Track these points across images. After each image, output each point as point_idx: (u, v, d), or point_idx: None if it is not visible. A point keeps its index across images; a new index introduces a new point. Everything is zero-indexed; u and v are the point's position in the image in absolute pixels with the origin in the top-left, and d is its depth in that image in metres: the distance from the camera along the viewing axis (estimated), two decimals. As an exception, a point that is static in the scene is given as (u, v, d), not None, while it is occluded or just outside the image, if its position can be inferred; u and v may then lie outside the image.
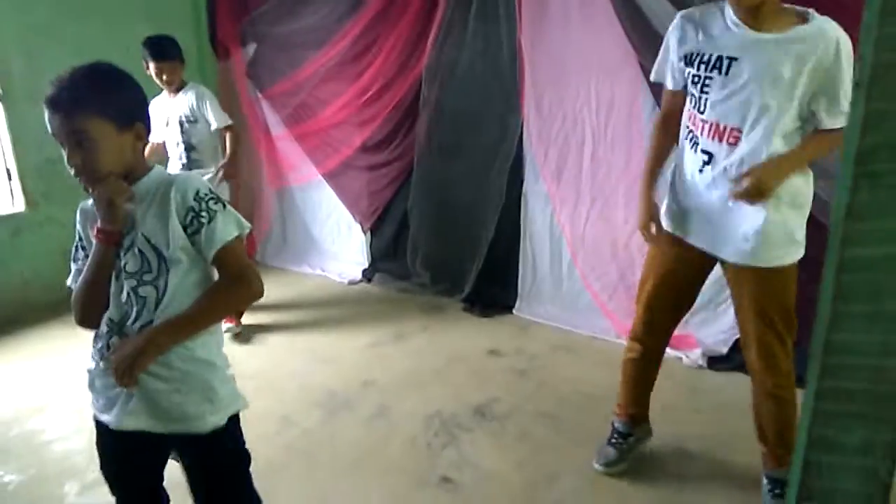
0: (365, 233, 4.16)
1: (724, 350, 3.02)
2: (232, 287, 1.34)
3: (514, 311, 3.61)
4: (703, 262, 2.00)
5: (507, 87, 3.42)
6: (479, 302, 3.68)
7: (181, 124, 3.22)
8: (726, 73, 1.76)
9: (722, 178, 1.83)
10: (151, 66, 3.09)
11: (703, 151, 1.86)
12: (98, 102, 1.29)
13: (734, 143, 1.80)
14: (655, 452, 2.34)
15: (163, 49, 3.09)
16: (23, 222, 3.70)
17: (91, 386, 1.41)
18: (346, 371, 3.02)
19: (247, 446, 1.49)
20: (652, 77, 2.05)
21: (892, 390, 0.51)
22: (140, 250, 1.32)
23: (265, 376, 2.97)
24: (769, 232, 1.81)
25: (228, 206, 1.36)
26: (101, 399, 1.39)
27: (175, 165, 3.29)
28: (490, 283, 3.69)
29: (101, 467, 1.47)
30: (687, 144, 1.93)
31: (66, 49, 3.70)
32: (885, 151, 0.47)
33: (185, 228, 1.31)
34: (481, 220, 3.65)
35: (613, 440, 2.30)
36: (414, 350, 3.24)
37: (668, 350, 3.07)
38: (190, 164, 3.25)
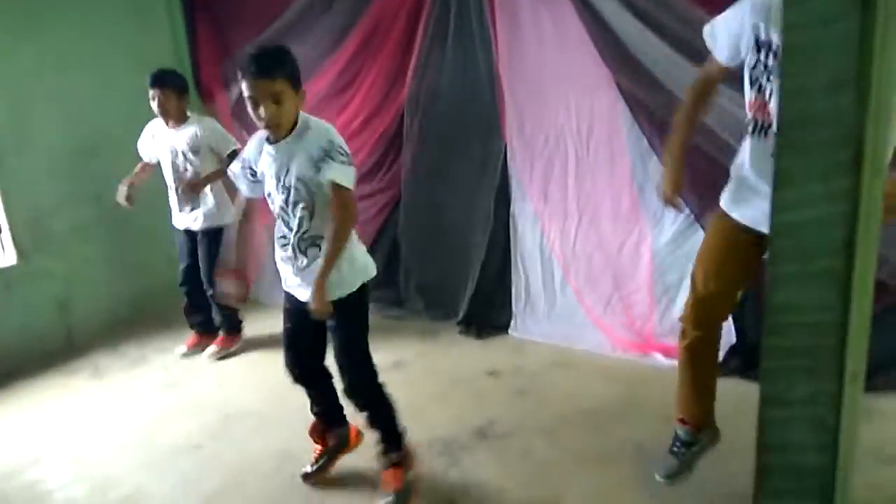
0: (357, 263, 4.18)
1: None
2: (336, 224, 1.96)
3: (509, 331, 3.62)
4: (759, 241, 1.95)
5: (488, 110, 3.47)
6: (474, 324, 3.69)
7: (184, 155, 3.32)
8: None
9: None
10: (149, 92, 3.22)
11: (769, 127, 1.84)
12: (287, 70, 1.88)
13: None
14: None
15: (156, 76, 3.22)
16: (14, 275, 3.69)
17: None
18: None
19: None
20: (705, 33, 1.94)
21: (828, 343, 0.53)
22: (295, 186, 1.97)
23: (266, 413, 2.96)
24: None
25: (347, 160, 1.95)
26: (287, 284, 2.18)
27: (176, 199, 3.43)
28: (484, 305, 3.70)
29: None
30: (751, 130, 1.89)
31: (50, 100, 3.75)
32: (799, 124, 0.51)
33: (315, 165, 1.92)
34: (471, 243, 3.68)
35: (675, 449, 2.22)
36: (413, 376, 3.24)
37: (662, 358, 3.14)
38: (196, 195, 3.38)
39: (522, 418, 2.75)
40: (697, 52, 2.78)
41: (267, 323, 3.77)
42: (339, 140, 1.97)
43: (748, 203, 1.95)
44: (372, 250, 4.06)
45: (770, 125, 1.84)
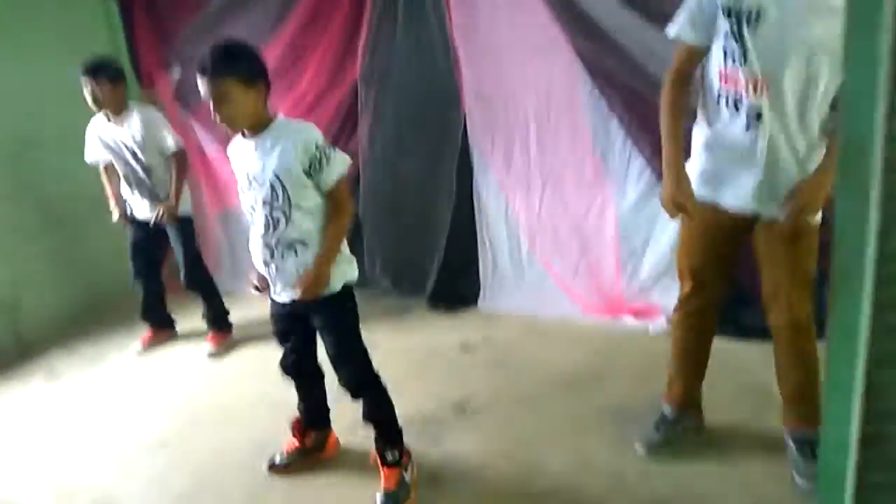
0: (318, 245, 4.07)
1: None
2: (337, 216, 1.95)
3: (479, 303, 3.58)
4: (742, 223, 1.96)
5: (445, 81, 3.39)
6: (443, 299, 3.64)
7: (130, 150, 3.14)
8: (757, 22, 1.72)
9: (772, 127, 1.80)
10: (82, 82, 3.00)
11: (751, 107, 1.80)
12: (239, 68, 1.83)
13: (777, 92, 1.76)
14: (643, 422, 2.33)
15: (91, 66, 3.00)
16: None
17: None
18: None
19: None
20: (672, 33, 1.90)
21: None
22: (271, 184, 1.89)
23: (234, 404, 2.86)
24: (811, 190, 1.82)
25: (337, 150, 1.94)
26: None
27: (130, 190, 3.25)
28: (452, 279, 3.65)
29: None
30: (723, 105, 1.86)
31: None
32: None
33: (307, 170, 1.88)
34: (435, 218, 3.62)
35: (660, 425, 2.25)
36: (385, 355, 3.11)
37: (632, 321, 3.16)
38: (152, 186, 3.20)
39: (499, 390, 2.72)
40: (651, 10, 2.78)
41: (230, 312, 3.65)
42: (321, 135, 1.95)
43: (729, 184, 1.92)
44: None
45: (741, 97, 1.81)
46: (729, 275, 2.12)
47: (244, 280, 4.35)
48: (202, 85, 1.84)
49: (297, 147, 1.87)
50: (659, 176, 3.04)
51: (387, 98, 3.58)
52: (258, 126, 1.92)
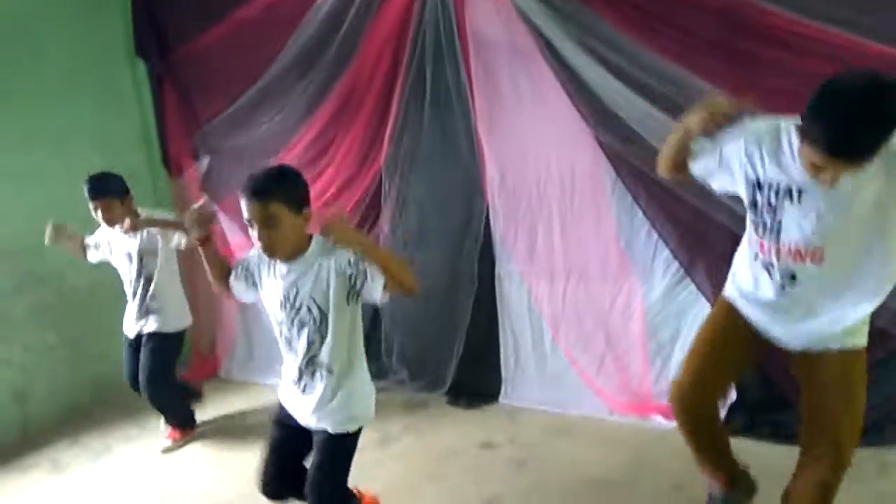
0: (336, 334, 4.00)
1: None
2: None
3: (500, 398, 3.45)
4: (762, 345, 1.91)
5: (469, 171, 3.41)
6: (463, 393, 3.51)
7: (140, 259, 3.14)
8: (799, 202, 1.68)
9: (810, 293, 1.77)
10: (90, 203, 2.99)
11: (785, 273, 1.78)
12: (286, 193, 1.81)
13: (820, 261, 1.72)
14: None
15: (96, 186, 2.98)
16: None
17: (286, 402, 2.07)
18: None
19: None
20: (695, 172, 1.95)
21: None
22: (307, 307, 1.88)
23: (242, 501, 2.72)
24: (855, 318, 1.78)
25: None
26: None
27: (132, 297, 3.22)
28: (473, 372, 3.54)
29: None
30: (758, 267, 1.84)
31: (12, 179, 3.57)
32: None
33: (350, 288, 1.84)
34: (456, 308, 3.55)
35: None
36: (401, 453, 3.03)
37: (662, 420, 3.01)
38: (146, 295, 3.17)
39: (526, 494, 2.56)
40: (675, 106, 2.80)
41: (234, 402, 3.54)
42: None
43: (759, 308, 1.88)
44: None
45: (774, 264, 1.78)
46: (726, 385, 2.07)
47: (256, 370, 4.24)
48: (248, 207, 1.79)
49: (333, 268, 1.85)
50: (686, 268, 2.99)
51: (410, 187, 3.61)
52: (297, 252, 1.89)
